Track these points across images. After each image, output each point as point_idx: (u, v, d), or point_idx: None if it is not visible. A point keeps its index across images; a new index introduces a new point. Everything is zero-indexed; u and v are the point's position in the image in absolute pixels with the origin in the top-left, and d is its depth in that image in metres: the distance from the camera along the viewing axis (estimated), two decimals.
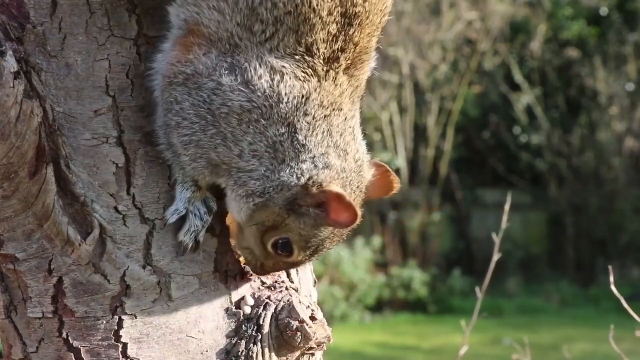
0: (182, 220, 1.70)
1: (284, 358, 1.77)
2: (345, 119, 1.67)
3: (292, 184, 1.64)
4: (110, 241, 1.68)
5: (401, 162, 15.28)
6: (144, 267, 1.70)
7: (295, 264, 1.76)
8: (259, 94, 1.60)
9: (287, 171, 1.64)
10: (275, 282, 1.82)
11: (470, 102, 16.48)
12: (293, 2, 1.57)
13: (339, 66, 1.64)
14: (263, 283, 1.81)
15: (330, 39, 1.61)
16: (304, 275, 1.90)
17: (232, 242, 1.80)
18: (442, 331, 11.85)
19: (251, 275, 1.81)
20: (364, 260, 13.60)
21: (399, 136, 15.41)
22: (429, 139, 15.67)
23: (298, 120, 1.62)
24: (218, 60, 1.60)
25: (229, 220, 1.79)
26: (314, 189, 1.64)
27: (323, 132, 1.64)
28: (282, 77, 1.60)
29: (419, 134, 15.84)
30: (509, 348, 9.25)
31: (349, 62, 1.65)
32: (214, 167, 1.66)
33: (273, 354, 1.75)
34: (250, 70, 1.59)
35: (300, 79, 1.61)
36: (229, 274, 1.78)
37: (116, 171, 1.68)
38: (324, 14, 1.59)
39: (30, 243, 1.68)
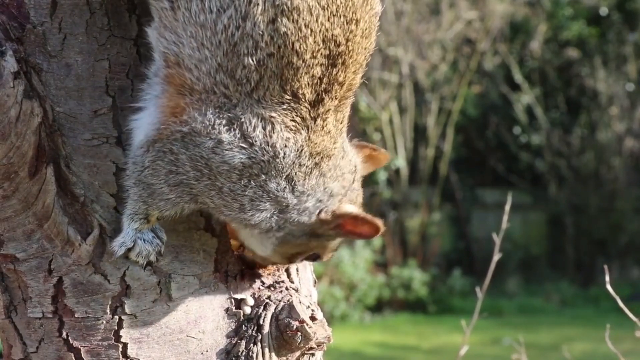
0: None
1: (284, 358, 1.77)
2: (334, 156, 1.67)
3: (305, 222, 1.66)
4: (111, 241, 1.68)
5: (401, 162, 15.28)
6: (144, 267, 1.70)
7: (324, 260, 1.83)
8: (257, 148, 1.57)
9: (296, 213, 1.65)
10: (276, 282, 1.83)
11: (470, 102, 16.47)
12: (275, 42, 1.52)
13: (326, 110, 1.61)
14: (263, 283, 1.81)
15: (315, 82, 1.57)
16: (304, 276, 1.90)
17: (233, 242, 1.81)
18: (442, 331, 11.85)
19: (251, 275, 1.81)
20: (364, 260, 13.60)
21: (399, 136, 15.40)
22: (429, 139, 15.67)
23: (295, 173, 1.61)
24: (215, 117, 1.56)
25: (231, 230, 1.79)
26: (329, 217, 1.67)
27: (317, 176, 1.64)
28: (274, 129, 1.57)
29: (419, 134, 15.84)
30: (509, 348, 9.25)
31: (335, 102, 1.62)
32: (201, 204, 1.65)
33: (273, 354, 1.75)
34: (247, 125, 1.56)
35: (291, 130, 1.58)
36: (229, 274, 1.78)
37: (116, 171, 1.68)
38: (308, 56, 1.55)
39: (31, 243, 1.67)
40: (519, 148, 16.70)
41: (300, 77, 1.56)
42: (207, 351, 1.74)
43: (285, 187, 1.61)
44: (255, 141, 1.57)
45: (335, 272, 13.06)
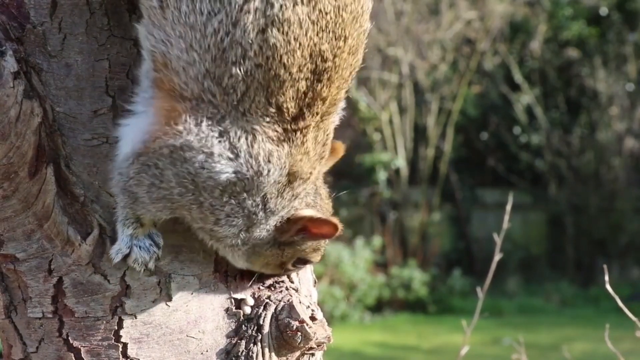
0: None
1: (284, 358, 1.77)
2: (307, 181, 1.67)
3: (266, 236, 1.67)
4: (110, 241, 1.68)
5: (401, 162, 15.28)
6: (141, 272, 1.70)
7: (316, 262, 1.83)
8: (242, 161, 1.57)
9: (258, 230, 1.66)
10: (276, 282, 1.82)
11: (470, 102, 16.47)
12: (264, 53, 1.51)
13: (306, 126, 1.60)
14: (263, 283, 1.81)
15: (299, 96, 1.57)
16: (304, 276, 1.90)
17: None
18: (442, 331, 11.85)
19: (251, 275, 1.81)
20: (364, 260, 13.60)
21: (399, 136, 15.40)
22: (429, 139, 15.67)
23: (270, 190, 1.61)
24: (209, 130, 1.55)
25: None
26: (285, 225, 1.68)
27: (289, 196, 1.65)
28: (255, 141, 1.56)
29: (419, 134, 15.84)
30: (509, 348, 9.25)
31: (316, 118, 1.61)
32: (179, 215, 1.66)
33: (273, 354, 1.75)
34: (234, 138, 1.56)
35: (274, 142, 1.58)
36: (229, 274, 1.78)
37: None
38: (294, 70, 1.54)
39: (31, 243, 1.67)
40: (519, 148, 16.70)
41: (286, 91, 1.55)
42: (207, 351, 1.74)
43: (259, 204, 1.62)
44: (240, 153, 1.56)
45: (335, 272, 13.06)
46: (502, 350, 9.83)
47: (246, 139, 1.56)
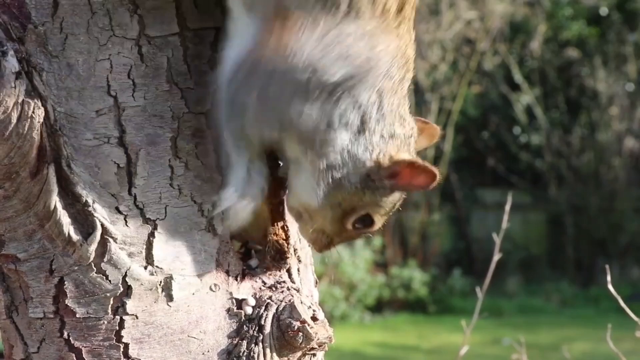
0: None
1: (286, 358, 1.77)
2: (406, 79, 1.67)
3: (366, 159, 1.64)
4: (112, 242, 1.68)
5: None
6: (145, 268, 1.70)
7: (373, 232, 1.77)
8: (354, 52, 1.57)
9: (363, 145, 1.63)
10: (277, 282, 1.83)
11: (470, 102, 16.48)
12: None
13: (407, 18, 1.63)
14: (264, 283, 1.81)
15: None
16: (306, 276, 1.90)
17: (235, 243, 1.80)
18: (442, 331, 11.86)
19: (253, 275, 1.81)
20: (364, 260, 13.60)
21: None
22: None
23: (385, 86, 1.61)
24: (325, 32, 1.56)
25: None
26: (386, 162, 1.64)
27: (398, 97, 1.64)
28: (372, 38, 1.58)
29: None
30: (509, 348, 9.25)
31: (413, 13, 1.65)
32: (283, 131, 1.63)
33: (274, 354, 1.75)
34: (348, 36, 1.57)
35: (384, 33, 1.60)
36: (231, 274, 1.78)
37: (117, 171, 1.68)
38: None
39: (32, 243, 1.67)
40: (519, 148, 16.70)
41: None
42: (208, 351, 1.74)
43: (375, 101, 1.61)
44: (352, 47, 1.57)
45: (335, 272, 13.06)
46: (502, 350, 9.84)
47: (356, 34, 1.57)
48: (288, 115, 1.60)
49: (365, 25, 1.59)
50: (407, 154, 1.66)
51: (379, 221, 1.73)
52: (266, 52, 1.59)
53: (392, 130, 1.64)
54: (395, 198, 1.72)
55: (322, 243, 1.77)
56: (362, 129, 1.62)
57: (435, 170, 1.65)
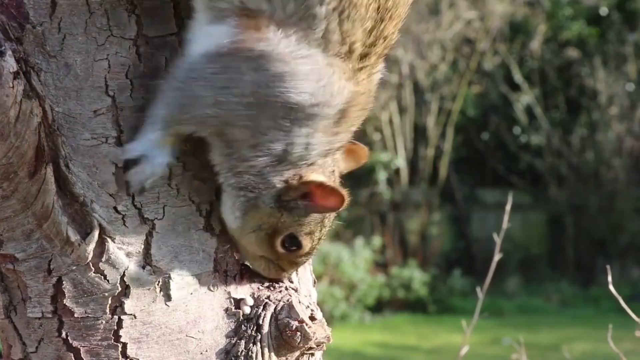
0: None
1: (284, 358, 1.77)
2: (351, 124, 1.69)
3: (276, 181, 1.66)
4: (110, 241, 1.68)
5: (401, 162, 15.28)
6: (143, 267, 1.70)
7: (309, 254, 1.78)
8: (320, 87, 1.59)
9: (277, 169, 1.65)
10: (275, 282, 1.82)
11: (470, 102, 16.48)
12: None
13: (369, 65, 1.65)
14: (262, 283, 1.81)
15: (365, 35, 1.62)
16: (304, 275, 1.90)
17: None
18: (442, 331, 11.86)
19: (251, 275, 1.81)
20: (364, 260, 13.61)
21: (399, 136, 15.41)
22: (428, 139, 15.68)
23: (321, 124, 1.62)
24: (299, 47, 1.58)
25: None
26: (295, 182, 1.66)
27: (330, 139, 1.65)
28: (334, 75, 1.60)
29: (419, 134, 15.85)
30: (509, 348, 9.25)
31: (374, 58, 1.66)
32: (219, 135, 1.64)
33: (272, 354, 1.75)
34: (323, 66, 1.59)
35: (345, 79, 1.62)
36: (229, 274, 1.78)
37: (115, 171, 1.68)
38: (362, 10, 1.59)
39: (30, 243, 1.67)
40: (519, 148, 16.71)
41: (356, 31, 1.60)
42: (206, 351, 1.74)
43: (305, 136, 1.62)
44: (322, 79, 1.59)
45: (335, 272, 13.06)
46: (502, 350, 9.84)
47: (328, 71, 1.59)
48: (235, 115, 1.61)
49: (328, 60, 1.59)
50: (318, 175, 1.67)
51: (306, 240, 1.74)
52: (242, 51, 1.59)
53: (312, 161, 1.66)
54: (318, 219, 1.73)
55: (272, 271, 1.78)
56: (282, 159, 1.64)
57: (344, 192, 1.66)
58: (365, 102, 1.69)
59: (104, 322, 1.69)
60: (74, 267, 1.68)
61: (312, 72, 1.58)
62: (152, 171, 1.66)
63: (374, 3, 1.61)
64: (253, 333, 1.75)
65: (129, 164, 1.66)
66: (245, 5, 1.58)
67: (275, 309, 1.77)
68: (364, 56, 1.63)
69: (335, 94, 1.60)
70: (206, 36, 1.62)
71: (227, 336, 1.76)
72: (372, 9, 1.60)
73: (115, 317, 1.69)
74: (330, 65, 1.60)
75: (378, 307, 13.58)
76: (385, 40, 1.65)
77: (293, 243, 1.74)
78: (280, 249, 1.74)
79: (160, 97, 1.65)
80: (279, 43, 1.58)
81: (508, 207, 3.15)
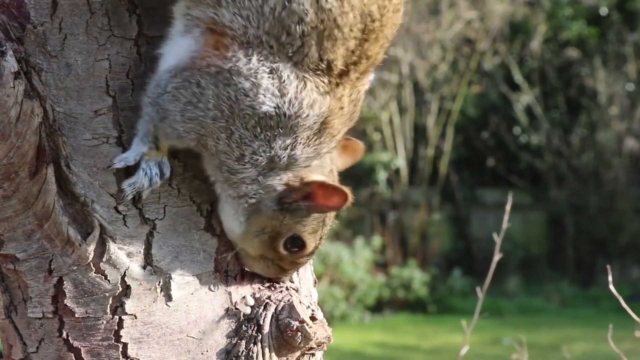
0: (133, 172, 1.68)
1: (285, 358, 1.77)
2: (334, 138, 1.70)
3: (276, 185, 1.67)
4: (111, 241, 1.68)
5: (401, 162, 15.28)
6: (144, 267, 1.70)
7: (312, 253, 1.80)
8: (286, 101, 1.60)
9: (273, 174, 1.66)
10: (276, 282, 1.82)
11: (470, 102, 16.48)
12: (319, 18, 1.57)
13: (349, 81, 1.66)
14: (263, 283, 1.81)
15: (348, 54, 1.63)
16: (304, 276, 1.90)
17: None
18: (442, 331, 11.86)
19: (252, 275, 1.81)
20: (364, 260, 13.60)
21: (399, 136, 15.41)
22: (428, 139, 15.68)
23: (302, 135, 1.64)
24: (260, 64, 1.59)
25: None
26: (296, 184, 1.68)
27: (314, 150, 1.67)
28: (305, 88, 1.61)
29: (419, 134, 15.85)
30: (509, 348, 9.25)
31: (356, 75, 1.67)
32: (204, 147, 1.66)
33: (273, 354, 1.75)
34: (285, 77, 1.60)
35: (320, 94, 1.63)
36: (229, 274, 1.78)
37: (116, 171, 1.68)
38: (346, 30, 1.60)
39: (31, 243, 1.67)
40: (519, 148, 16.70)
41: (337, 49, 1.61)
42: (207, 351, 1.74)
43: (288, 147, 1.64)
44: (287, 94, 1.60)
45: (335, 272, 13.06)
46: (502, 350, 9.83)
47: (297, 85, 1.61)
48: (209, 130, 1.63)
49: (299, 75, 1.60)
50: (318, 175, 1.70)
51: (310, 239, 1.76)
52: (200, 67, 1.61)
53: (308, 161, 1.68)
54: (320, 219, 1.76)
55: (273, 271, 1.79)
56: (272, 166, 1.66)
57: (347, 190, 1.68)
58: (348, 114, 1.69)
59: (104, 322, 1.69)
60: (75, 267, 1.68)
61: (273, 85, 1.59)
62: (150, 184, 1.68)
63: (359, 24, 1.61)
64: (254, 333, 1.75)
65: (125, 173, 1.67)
66: (220, 19, 1.59)
67: (276, 309, 1.77)
68: (344, 73, 1.64)
69: (305, 106, 1.61)
70: (175, 47, 1.64)
71: (227, 336, 1.76)
72: (357, 29, 1.61)
73: (116, 317, 1.69)
74: (301, 79, 1.61)
75: (378, 307, 13.58)
76: (368, 60, 1.66)
77: (296, 244, 1.75)
78: (282, 251, 1.75)
79: (140, 113, 1.67)
80: (238, 61, 1.59)
81: (508, 207, 3.15)
